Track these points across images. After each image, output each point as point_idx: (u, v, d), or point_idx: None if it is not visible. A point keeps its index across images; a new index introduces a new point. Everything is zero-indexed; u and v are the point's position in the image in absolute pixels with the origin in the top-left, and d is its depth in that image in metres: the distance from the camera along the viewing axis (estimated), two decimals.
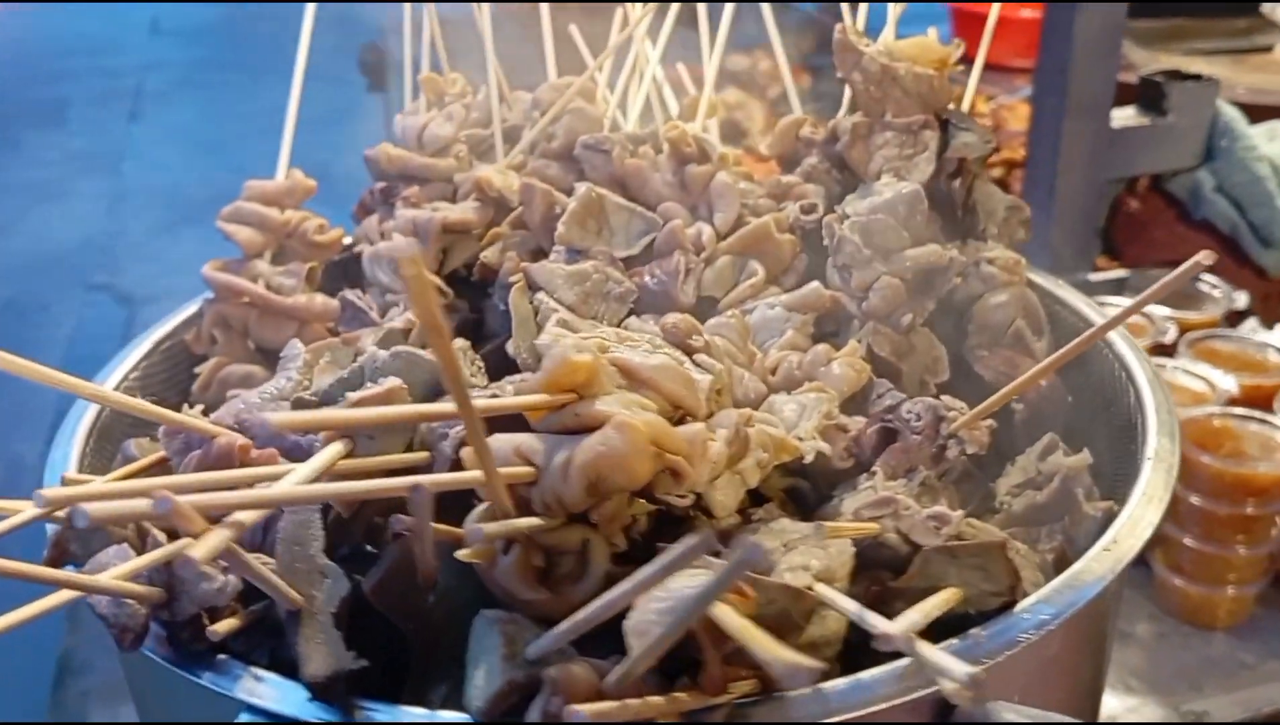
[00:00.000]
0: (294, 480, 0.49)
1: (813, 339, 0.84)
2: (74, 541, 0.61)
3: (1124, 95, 1.87)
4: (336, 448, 0.54)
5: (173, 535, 0.61)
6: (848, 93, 1.00)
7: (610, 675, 0.48)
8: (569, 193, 0.94)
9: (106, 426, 0.80)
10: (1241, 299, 1.76)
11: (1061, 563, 0.69)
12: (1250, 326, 1.68)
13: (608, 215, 0.90)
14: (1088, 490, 0.75)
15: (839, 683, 0.52)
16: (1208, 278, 1.75)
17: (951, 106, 0.92)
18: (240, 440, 0.61)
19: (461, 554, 0.52)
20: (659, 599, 0.46)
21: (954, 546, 0.58)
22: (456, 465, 0.57)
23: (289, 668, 0.56)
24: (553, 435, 0.53)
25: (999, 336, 0.86)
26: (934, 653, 0.45)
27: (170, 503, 0.43)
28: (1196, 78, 1.92)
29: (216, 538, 0.46)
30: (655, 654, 0.44)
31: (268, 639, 0.58)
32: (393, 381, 0.58)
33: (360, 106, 3.56)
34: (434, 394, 0.62)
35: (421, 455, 0.59)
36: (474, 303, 0.94)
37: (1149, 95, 1.92)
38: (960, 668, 0.42)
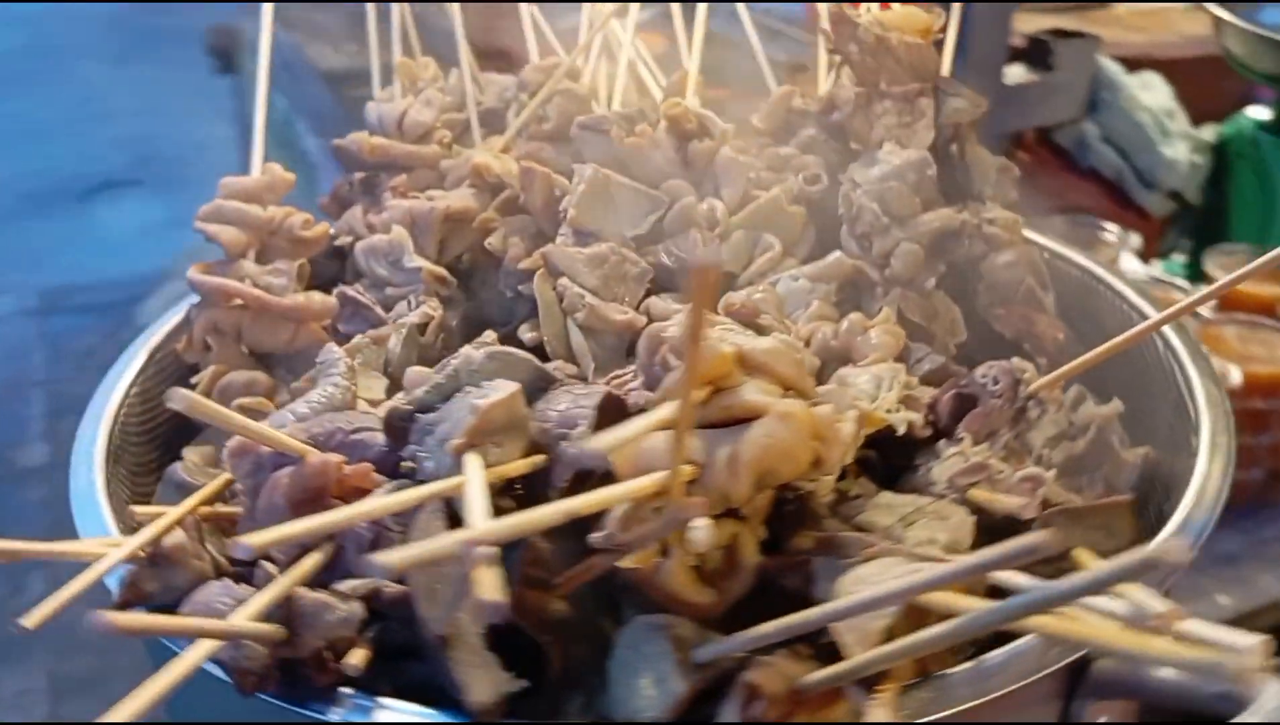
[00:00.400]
0: (476, 511, 0.46)
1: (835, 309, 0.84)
2: (152, 580, 0.56)
3: None
4: (478, 464, 0.51)
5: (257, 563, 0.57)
6: (823, 68, 1.01)
7: (812, 677, 0.47)
8: (565, 174, 0.92)
9: (118, 448, 0.74)
10: (1135, 240, 1.84)
11: None
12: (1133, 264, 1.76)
13: (613, 196, 0.88)
14: (1121, 438, 0.77)
15: (989, 659, 0.52)
16: (1103, 222, 1.82)
17: None
18: (334, 458, 0.57)
19: (625, 562, 0.49)
20: (867, 596, 0.45)
21: (1081, 508, 0.58)
22: (582, 470, 0.54)
23: (415, 694, 0.53)
24: (704, 431, 0.51)
25: (1011, 295, 0.87)
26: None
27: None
28: (1080, 35, 2.00)
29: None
30: (882, 654, 0.43)
31: (386, 665, 0.55)
32: (511, 386, 0.55)
33: (209, 89, 3.39)
34: (533, 394, 0.59)
35: (539, 459, 0.56)
36: (467, 291, 0.91)
37: (1036, 53, 1.98)
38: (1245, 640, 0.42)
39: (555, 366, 0.79)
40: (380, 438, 0.60)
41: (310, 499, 0.56)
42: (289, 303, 0.85)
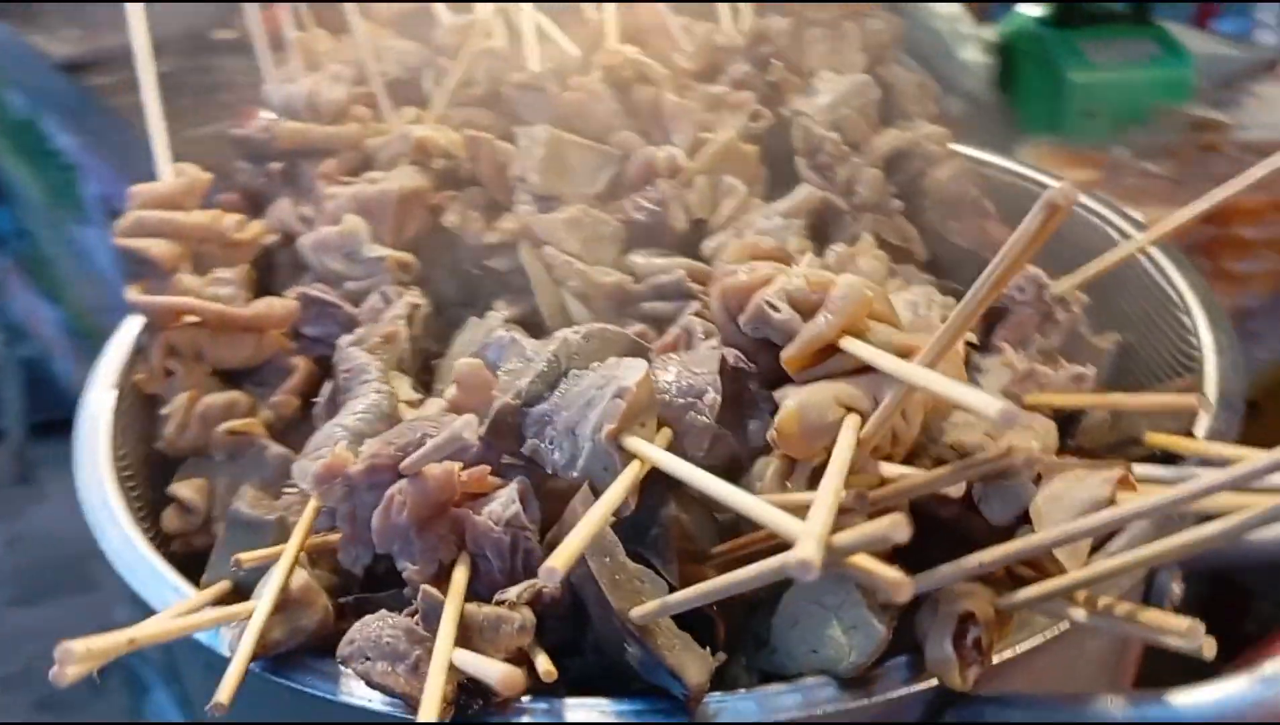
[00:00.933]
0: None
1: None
2: (279, 628, 0.52)
3: None
4: (646, 446, 0.49)
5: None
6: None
7: (1015, 598, 0.48)
8: (505, 139, 0.88)
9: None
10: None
11: None
12: None
13: (565, 155, 0.85)
14: (1090, 328, 0.82)
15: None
16: None
17: None
18: (454, 467, 0.53)
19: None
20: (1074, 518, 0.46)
21: (1152, 403, 0.62)
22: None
23: (584, 685, 0.51)
24: (864, 377, 0.51)
25: (960, 207, 0.90)
26: None
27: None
28: None
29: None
30: (1110, 568, 0.45)
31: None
32: (641, 364, 0.53)
33: None
34: None
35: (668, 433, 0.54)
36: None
37: None
38: None
39: (562, 336, 0.77)
40: (470, 437, 0.57)
41: (436, 512, 0.53)
42: (250, 313, 0.78)
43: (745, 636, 0.54)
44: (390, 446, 0.56)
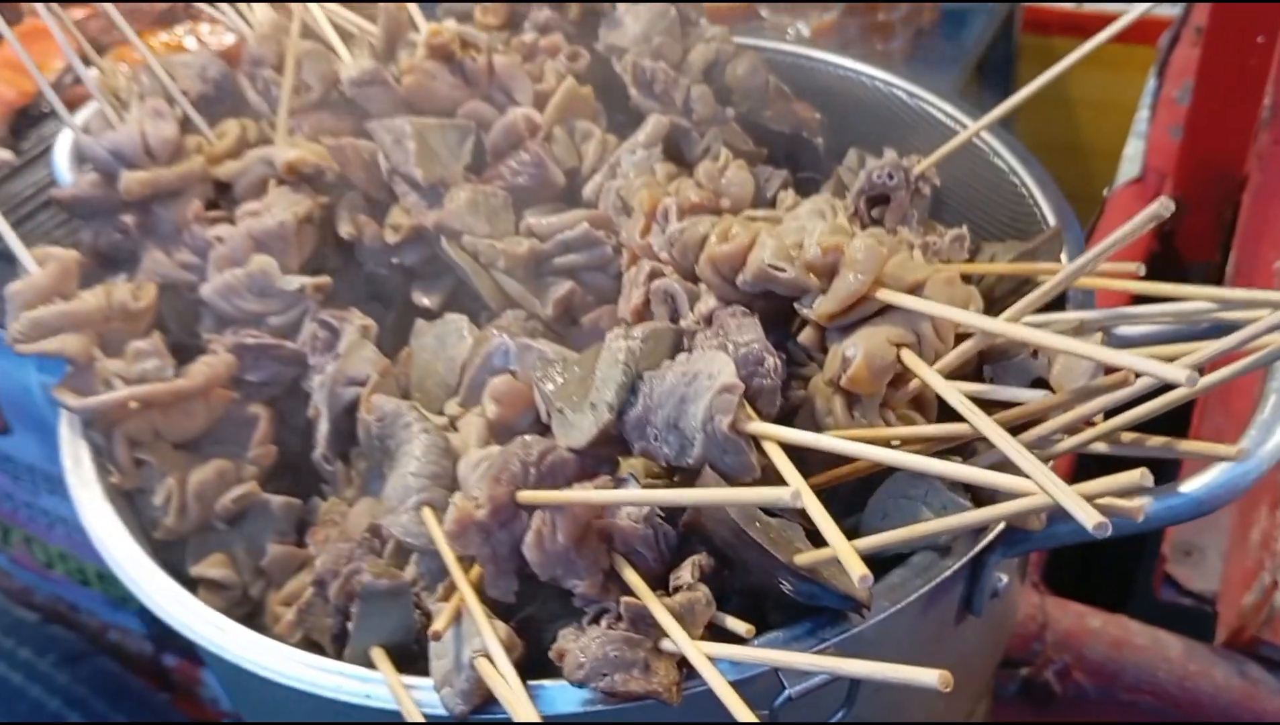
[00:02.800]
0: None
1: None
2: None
3: None
4: (766, 428, 0.59)
5: None
6: None
7: (1072, 441, 0.63)
8: (358, 136, 0.90)
9: None
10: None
11: None
12: None
13: (427, 139, 0.89)
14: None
15: None
16: None
17: None
18: (596, 489, 0.61)
19: None
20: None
21: (1033, 246, 0.78)
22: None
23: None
24: (893, 314, 0.63)
25: (764, 96, 1.02)
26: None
27: None
28: None
29: None
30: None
31: None
32: (725, 359, 0.61)
33: None
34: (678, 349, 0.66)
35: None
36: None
37: None
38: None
39: (511, 316, 0.83)
40: (565, 454, 0.64)
41: (585, 530, 0.61)
42: (200, 382, 0.78)
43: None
44: (500, 484, 0.62)
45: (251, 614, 0.77)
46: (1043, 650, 1.08)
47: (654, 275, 0.77)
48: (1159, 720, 1.06)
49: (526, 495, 0.62)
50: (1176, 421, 1.20)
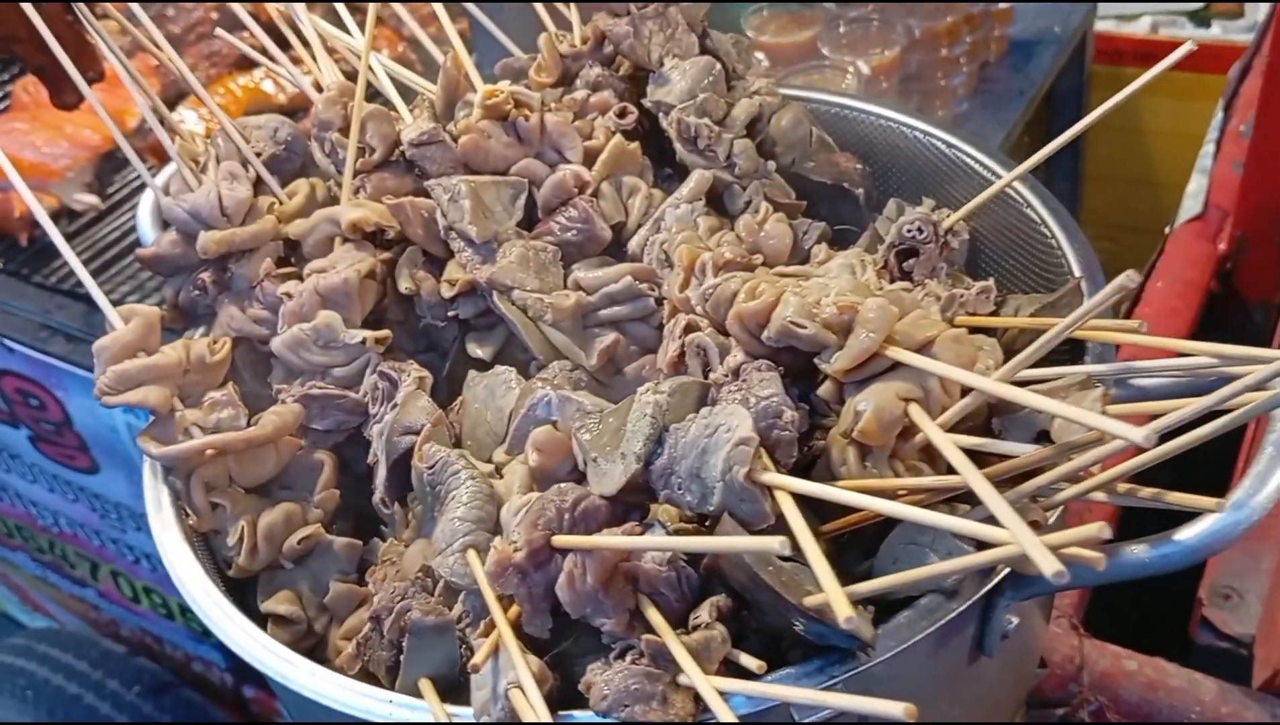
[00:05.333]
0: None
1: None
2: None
3: None
4: (779, 477, 0.65)
5: None
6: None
7: (1068, 492, 0.68)
8: (417, 194, 0.98)
9: None
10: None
11: None
12: None
13: (481, 196, 0.96)
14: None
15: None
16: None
17: None
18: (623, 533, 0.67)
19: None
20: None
21: (1054, 299, 0.83)
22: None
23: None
24: (903, 370, 0.69)
25: (807, 147, 1.08)
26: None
27: None
28: None
29: None
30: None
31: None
32: (743, 413, 0.68)
33: None
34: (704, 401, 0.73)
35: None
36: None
37: None
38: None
39: (557, 367, 0.90)
40: (598, 501, 0.71)
41: (613, 573, 0.67)
42: (271, 431, 0.87)
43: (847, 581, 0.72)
44: (536, 529, 0.70)
45: (316, 647, 0.85)
46: (1079, 691, 1.12)
47: (690, 328, 0.84)
48: None
49: (561, 540, 0.69)
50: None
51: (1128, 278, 0.56)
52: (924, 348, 0.70)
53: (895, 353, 0.68)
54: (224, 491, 0.86)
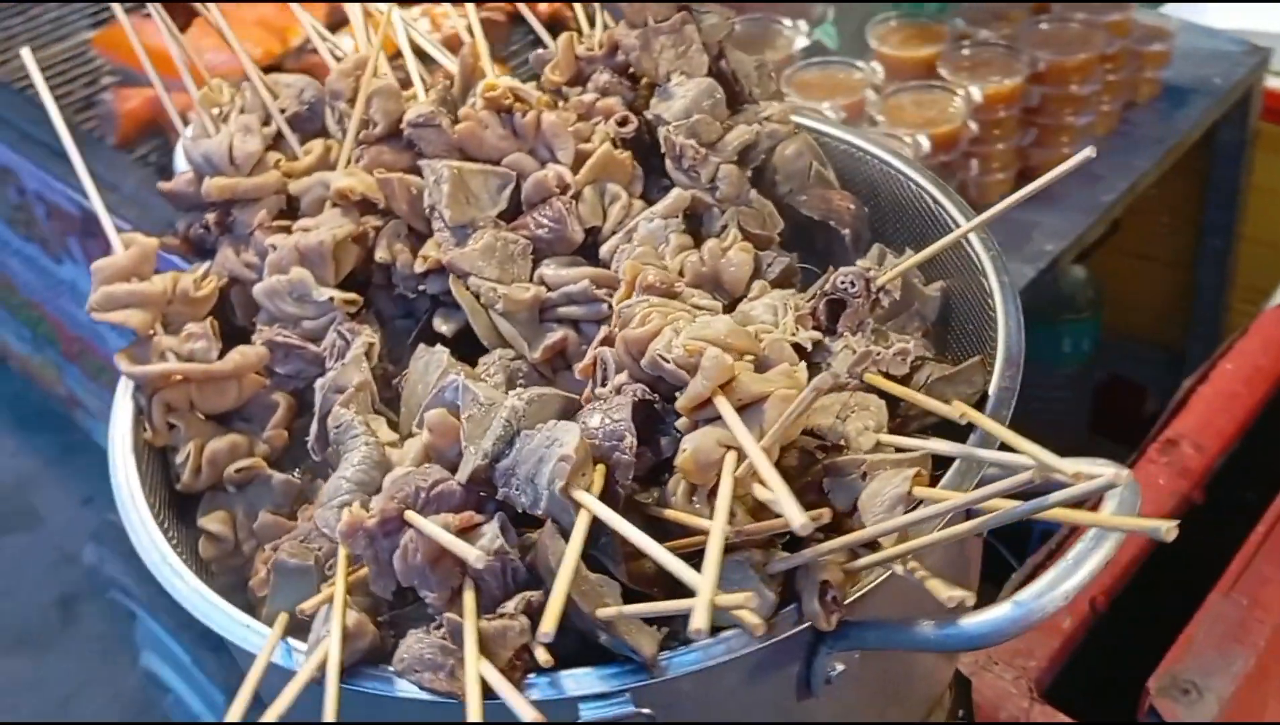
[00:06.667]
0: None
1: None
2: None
3: None
4: (589, 498, 0.74)
5: None
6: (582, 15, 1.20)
7: (856, 564, 0.75)
8: (411, 170, 1.09)
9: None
10: (803, 25, 2.13)
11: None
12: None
13: (468, 182, 1.07)
14: (919, 278, 1.08)
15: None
16: (776, 16, 2.11)
17: None
18: (454, 520, 0.77)
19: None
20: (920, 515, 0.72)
21: (951, 373, 0.88)
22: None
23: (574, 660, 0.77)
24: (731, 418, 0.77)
25: (805, 180, 1.14)
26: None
27: None
28: None
29: None
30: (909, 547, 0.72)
31: None
32: (574, 429, 0.77)
33: None
34: (567, 416, 0.82)
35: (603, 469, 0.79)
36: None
37: None
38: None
39: (498, 354, 1.00)
40: (453, 485, 0.81)
41: (442, 553, 0.77)
42: (231, 367, 0.99)
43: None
44: (393, 500, 0.80)
45: (242, 568, 0.97)
46: None
47: (608, 341, 0.93)
48: None
49: (411, 516, 0.79)
50: None
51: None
52: (755, 401, 0.77)
53: (719, 403, 0.76)
54: (182, 414, 0.99)
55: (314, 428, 0.98)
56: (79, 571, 2.16)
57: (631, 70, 1.16)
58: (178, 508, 0.99)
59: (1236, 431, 1.53)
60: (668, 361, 0.81)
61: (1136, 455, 1.50)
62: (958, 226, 1.07)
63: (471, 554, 0.72)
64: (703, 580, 0.62)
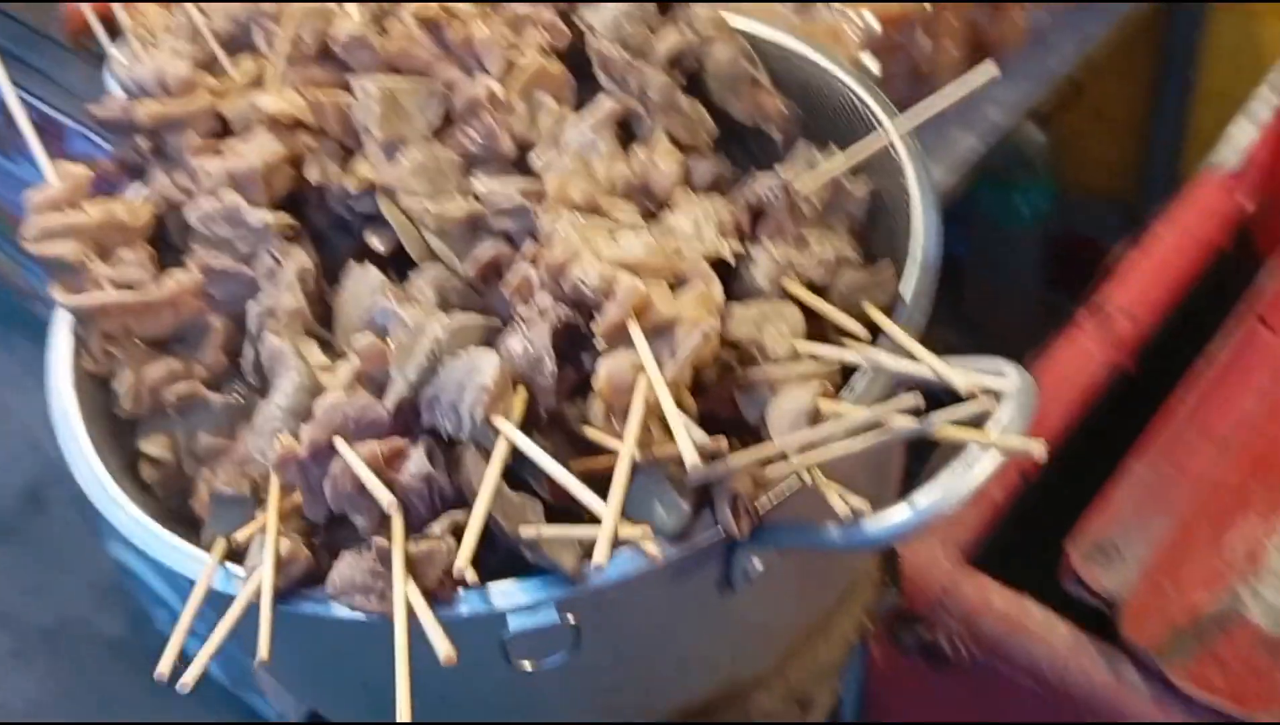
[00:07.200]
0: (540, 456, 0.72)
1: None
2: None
3: None
4: (508, 425, 0.76)
5: None
6: None
7: (769, 473, 0.77)
8: (342, 87, 1.08)
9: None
10: None
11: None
12: None
13: (399, 99, 1.06)
14: (847, 177, 1.08)
15: None
16: None
17: None
18: (379, 448, 0.80)
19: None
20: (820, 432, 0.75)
21: (866, 280, 0.90)
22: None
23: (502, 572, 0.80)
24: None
25: (736, 84, 1.13)
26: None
27: None
28: None
29: None
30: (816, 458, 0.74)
31: None
32: (493, 358, 0.79)
33: None
34: (490, 342, 0.84)
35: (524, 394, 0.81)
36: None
37: None
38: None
39: (430, 271, 1.01)
40: (381, 412, 0.83)
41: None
42: (168, 294, 1.00)
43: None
44: (324, 430, 0.82)
45: (185, 489, 1.00)
46: (944, 615, 1.21)
47: (534, 259, 0.94)
48: (1033, 696, 1.19)
49: (340, 444, 0.81)
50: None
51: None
52: (667, 324, 0.79)
53: (631, 326, 0.78)
54: (120, 342, 1.01)
55: (248, 351, 1.00)
56: (44, 459, 2.18)
57: None
58: (117, 432, 1.01)
59: (1170, 302, 1.54)
60: (586, 287, 0.82)
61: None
62: (872, 113, 1.08)
63: (385, 499, 0.74)
64: (606, 510, 0.65)
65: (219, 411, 1.01)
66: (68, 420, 0.95)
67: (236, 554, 0.84)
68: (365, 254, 1.07)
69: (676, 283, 0.86)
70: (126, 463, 0.98)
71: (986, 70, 0.80)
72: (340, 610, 0.78)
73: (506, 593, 0.78)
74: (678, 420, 0.69)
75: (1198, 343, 1.51)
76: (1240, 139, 1.67)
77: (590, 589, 0.78)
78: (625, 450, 0.71)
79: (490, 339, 0.85)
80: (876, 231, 1.08)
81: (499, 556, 0.81)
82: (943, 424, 0.67)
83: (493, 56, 1.08)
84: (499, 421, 0.77)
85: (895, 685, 1.31)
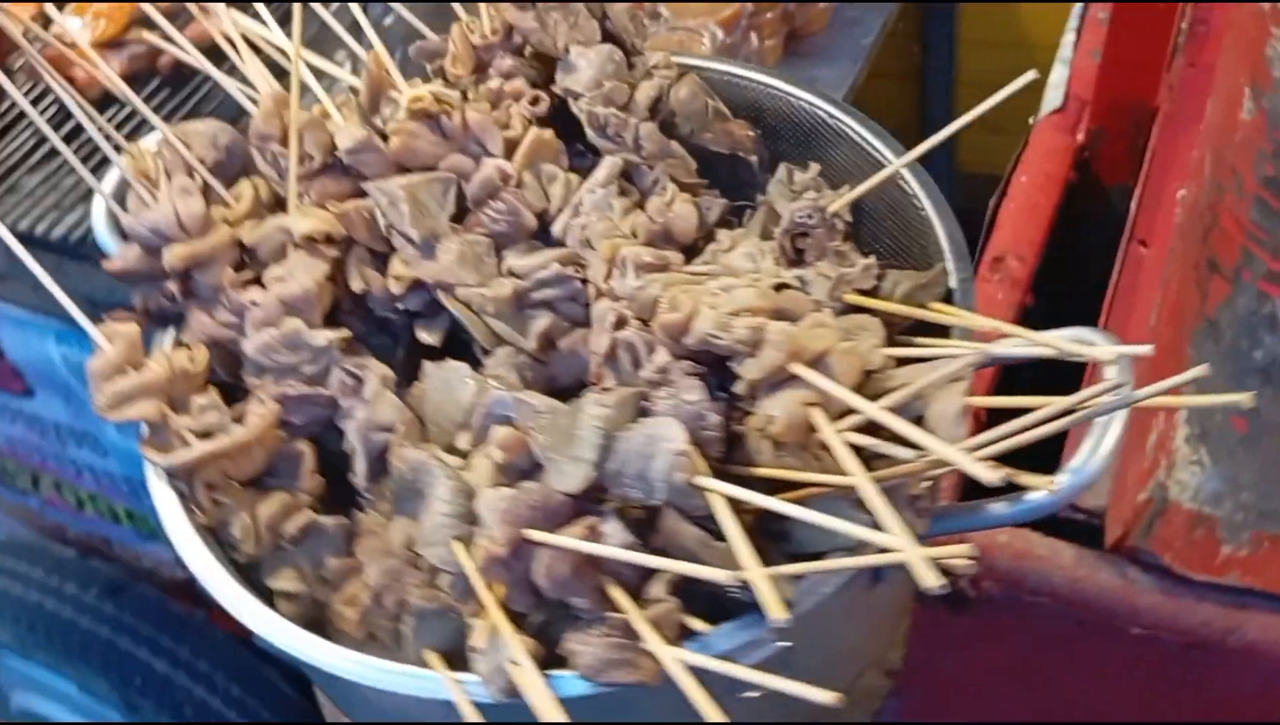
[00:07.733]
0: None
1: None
2: None
3: None
4: (722, 501, 0.83)
5: None
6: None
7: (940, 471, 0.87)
8: (355, 196, 1.10)
9: None
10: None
11: None
12: None
13: (416, 195, 1.09)
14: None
15: None
16: None
17: None
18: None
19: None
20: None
21: (925, 281, 1.01)
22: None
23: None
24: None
25: (704, 118, 1.22)
26: None
27: None
28: None
29: None
30: None
31: None
32: (677, 428, 0.85)
33: None
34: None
35: None
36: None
37: None
38: None
39: (502, 354, 1.05)
40: (558, 498, 0.88)
41: (580, 563, 0.85)
42: (254, 435, 1.01)
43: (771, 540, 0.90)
44: (513, 528, 0.86)
45: (317, 614, 1.01)
46: None
47: (619, 323, 0.99)
48: (1056, 617, 1.33)
49: (535, 535, 0.86)
50: None
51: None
52: (821, 357, 0.87)
53: (796, 368, 0.85)
54: (224, 488, 1.00)
55: (361, 468, 1.02)
56: None
57: (528, 49, 1.19)
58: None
59: (1046, 235, 1.73)
60: (721, 339, 0.89)
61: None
62: (844, 126, 1.18)
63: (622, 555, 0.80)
64: (902, 535, 0.73)
65: (334, 534, 1.02)
66: (213, 575, 0.95)
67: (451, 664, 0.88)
68: (415, 351, 1.10)
69: (784, 318, 0.94)
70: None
71: (1027, 76, 0.92)
72: (602, 689, 0.83)
73: (730, 635, 0.85)
74: (947, 448, 0.77)
75: (1071, 266, 1.71)
76: (1059, 80, 1.87)
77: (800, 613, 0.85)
78: (860, 479, 0.78)
79: (641, 409, 0.91)
80: (861, 230, 1.19)
81: (696, 603, 0.87)
82: (1141, 400, 0.78)
83: (492, 136, 1.13)
84: (702, 481, 0.83)
85: (938, 643, 1.43)
